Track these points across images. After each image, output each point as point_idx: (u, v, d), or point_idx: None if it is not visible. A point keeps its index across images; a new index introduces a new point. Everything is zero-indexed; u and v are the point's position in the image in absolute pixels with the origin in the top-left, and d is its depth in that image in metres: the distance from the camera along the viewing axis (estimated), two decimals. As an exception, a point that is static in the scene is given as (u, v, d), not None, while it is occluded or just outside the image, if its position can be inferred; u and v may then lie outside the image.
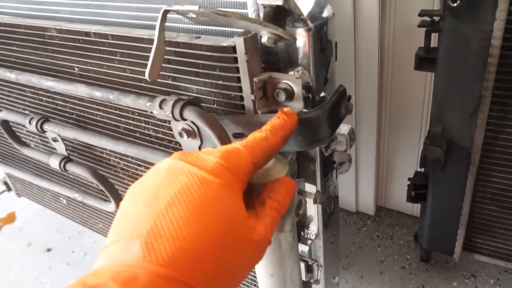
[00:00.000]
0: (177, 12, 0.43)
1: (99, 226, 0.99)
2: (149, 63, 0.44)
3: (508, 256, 0.77)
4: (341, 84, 0.51)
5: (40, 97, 0.76)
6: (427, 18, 0.61)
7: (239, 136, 0.50)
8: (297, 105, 0.46)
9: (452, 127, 0.64)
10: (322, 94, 0.51)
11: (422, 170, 0.77)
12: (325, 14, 0.47)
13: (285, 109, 0.41)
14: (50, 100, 0.74)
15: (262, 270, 0.50)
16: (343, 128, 0.53)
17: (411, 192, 0.77)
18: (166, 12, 0.43)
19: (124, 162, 0.73)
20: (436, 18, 0.60)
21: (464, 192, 0.70)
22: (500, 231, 0.74)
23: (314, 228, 0.63)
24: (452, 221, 0.75)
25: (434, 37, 0.62)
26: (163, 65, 0.52)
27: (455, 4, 0.53)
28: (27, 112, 0.81)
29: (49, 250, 1.16)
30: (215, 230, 0.28)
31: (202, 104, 0.51)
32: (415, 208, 1.01)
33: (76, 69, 0.64)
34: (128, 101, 0.53)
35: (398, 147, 0.94)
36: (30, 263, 1.11)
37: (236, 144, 0.34)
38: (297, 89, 0.45)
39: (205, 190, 0.29)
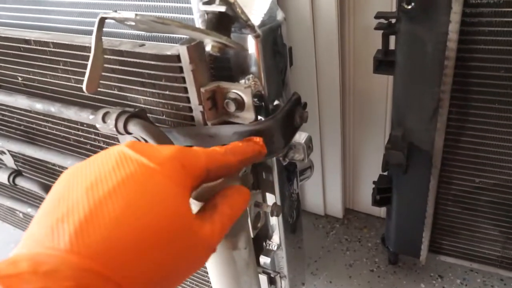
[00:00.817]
0: (115, 19, 0.40)
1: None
2: (86, 74, 0.41)
3: (472, 256, 0.77)
4: (295, 92, 0.49)
5: (-14, 109, 0.71)
6: (383, 21, 0.60)
7: (189, 149, 0.47)
8: (248, 115, 0.44)
9: (413, 130, 0.64)
10: (276, 102, 0.49)
11: (386, 173, 0.77)
12: (275, 19, 0.45)
13: (256, 139, 0.40)
14: (-3, 111, 0.70)
15: (218, 287, 0.48)
16: (301, 136, 0.52)
17: (376, 196, 0.76)
18: (103, 19, 0.41)
19: (78, 175, 0.70)
20: (393, 21, 0.59)
21: (427, 195, 0.70)
22: (464, 232, 0.74)
23: (276, 238, 0.61)
24: (417, 223, 0.75)
25: (393, 39, 0.61)
26: (109, 74, 0.49)
27: (409, 7, 0.52)
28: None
29: (8, 266, 1.10)
30: (155, 225, 0.26)
31: (151, 115, 0.49)
32: (382, 210, 1.01)
33: (20, 78, 0.60)
34: (71, 113, 0.50)
35: (363, 149, 0.93)
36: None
37: (197, 148, 0.33)
38: (247, 99, 0.43)
39: (151, 184, 0.27)
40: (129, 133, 0.45)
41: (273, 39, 0.45)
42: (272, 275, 0.60)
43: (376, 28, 0.59)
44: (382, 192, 0.75)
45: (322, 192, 1.01)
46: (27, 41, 0.55)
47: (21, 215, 0.96)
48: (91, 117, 0.48)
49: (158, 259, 0.26)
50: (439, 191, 0.70)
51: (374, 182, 0.77)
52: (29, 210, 0.79)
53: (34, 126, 0.66)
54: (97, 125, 0.46)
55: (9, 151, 0.70)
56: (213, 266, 0.46)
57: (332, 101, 0.83)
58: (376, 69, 0.62)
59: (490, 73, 0.56)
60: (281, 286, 0.62)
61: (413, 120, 0.63)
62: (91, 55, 0.41)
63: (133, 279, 0.25)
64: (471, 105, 0.60)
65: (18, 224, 1.01)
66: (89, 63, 0.41)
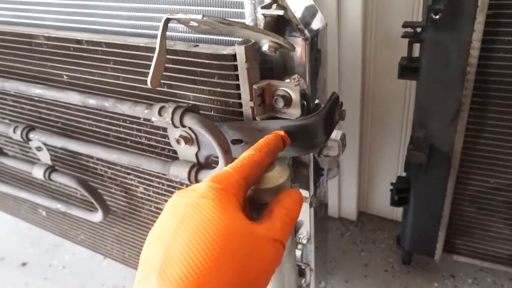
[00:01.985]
0: (179, 20, 0.43)
1: (81, 238, 0.96)
2: (151, 70, 0.45)
3: (484, 256, 0.81)
4: (334, 92, 0.53)
5: (22, 105, 0.74)
6: (409, 29, 0.64)
7: (237, 142, 0.51)
8: (295, 111, 0.48)
9: (434, 132, 0.68)
10: (316, 101, 0.52)
11: (404, 174, 0.81)
12: (318, 24, 0.49)
13: (280, 132, 0.44)
14: (33, 108, 0.73)
15: (261, 274, 0.51)
16: (335, 134, 0.55)
17: (394, 196, 0.79)
18: (168, 20, 0.44)
19: (112, 171, 0.73)
20: (419, 29, 0.63)
21: (444, 195, 0.74)
22: (478, 231, 0.78)
23: (305, 232, 0.64)
24: (433, 223, 0.79)
25: (415, 47, 0.66)
26: (159, 73, 0.53)
27: (437, 17, 0.56)
28: (6, 121, 0.78)
29: (24, 264, 1.12)
30: (218, 243, 0.30)
31: (200, 111, 0.52)
32: (395, 213, 1.04)
33: (65, 77, 0.64)
34: (125, 108, 0.53)
35: (380, 153, 0.97)
36: (4, 279, 1.07)
37: (225, 167, 0.37)
38: (295, 96, 0.47)
39: (200, 212, 0.32)
40: (184, 126, 0.49)
41: (317, 42, 0.49)
42: (302, 267, 0.63)
43: (403, 36, 0.64)
44: (401, 193, 0.79)
45: (337, 195, 1.05)
46: (78, 41, 0.58)
47: (44, 213, 0.98)
48: (146, 111, 0.51)
49: (236, 271, 0.30)
50: (456, 191, 0.74)
51: (392, 184, 0.81)
52: (59, 206, 0.82)
53: (72, 123, 0.69)
54: (153, 119, 0.50)
55: (48, 146, 0.72)
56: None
57: (352, 104, 0.87)
58: (400, 75, 0.66)
59: (508, 79, 0.61)
60: (309, 279, 0.65)
61: (434, 122, 0.67)
62: (156, 52, 0.45)
63: None
64: (489, 109, 0.64)
65: (38, 222, 1.03)
66: (154, 60, 0.45)
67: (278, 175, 0.44)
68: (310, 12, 0.49)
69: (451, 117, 0.65)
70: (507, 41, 0.58)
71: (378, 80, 0.86)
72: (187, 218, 0.31)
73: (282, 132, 0.44)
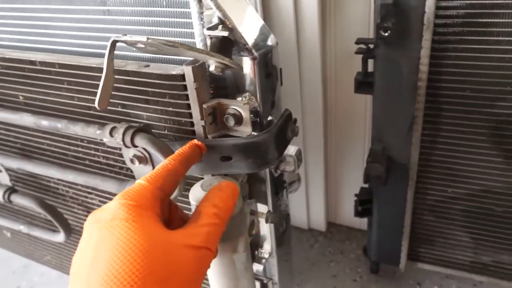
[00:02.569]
0: (126, 42, 0.44)
1: (47, 258, 0.94)
2: (99, 92, 0.45)
3: (447, 263, 0.82)
4: (287, 108, 0.54)
5: (-19, 127, 0.73)
6: (363, 46, 0.66)
7: (190, 160, 0.51)
8: (246, 129, 0.48)
9: (391, 145, 0.69)
10: (269, 118, 0.53)
11: (367, 186, 0.82)
12: (269, 42, 0.50)
13: (194, 141, 0.45)
14: (-8, 129, 0.72)
15: (217, 291, 0.51)
16: (291, 150, 0.56)
17: (358, 207, 0.81)
18: (115, 42, 0.45)
19: (73, 191, 0.72)
20: (371, 46, 0.65)
21: (405, 205, 0.75)
22: (439, 239, 0.80)
23: (267, 247, 0.64)
24: (396, 233, 0.80)
25: (371, 62, 0.67)
26: (113, 93, 0.53)
27: (386, 34, 0.58)
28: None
29: (-10, 287, 1.09)
30: (135, 266, 0.29)
31: (153, 130, 0.52)
32: (363, 222, 1.05)
33: (21, 97, 0.63)
34: (77, 129, 0.53)
35: (345, 165, 0.99)
36: (-31, 303, 1.04)
37: (138, 180, 0.36)
38: (245, 114, 0.47)
39: (114, 235, 0.31)
40: (135, 146, 0.49)
41: (267, 60, 0.50)
42: (264, 281, 0.63)
43: (356, 52, 0.65)
44: (364, 204, 0.80)
45: (306, 207, 1.06)
46: (32, 62, 0.58)
47: (9, 234, 0.96)
48: (98, 132, 0.51)
49: (162, 284, 0.29)
50: (416, 201, 0.76)
51: (356, 195, 0.82)
52: (21, 227, 0.80)
53: (31, 143, 0.69)
54: (104, 139, 0.50)
55: (6, 168, 0.71)
56: (214, 269, 0.49)
57: (315, 118, 0.88)
58: (356, 89, 0.68)
59: (458, 93, 0.63)
60: (272, 293, 0.65)
61: (391, 135, 0.69)
62: (103, 74, 0.45)
63: None
64: (442, 121, 0.66)
65: (4, 244, 1.00)
66: (101, 81, 0.45)
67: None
68: (260, 32, 0.50)
69: (406, 130, 0.66)
70: (454, 56, 0.60)
71: (339, 94, 0.87)
72: (101, 245, 0.30)
73: (196, 141, 0.45)
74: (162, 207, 0.35)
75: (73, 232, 0.79)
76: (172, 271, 0.31)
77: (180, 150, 0.42)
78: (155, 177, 0.36)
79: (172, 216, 0.40)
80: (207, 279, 0.53)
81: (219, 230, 0.36)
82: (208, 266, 0.34)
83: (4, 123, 0.68)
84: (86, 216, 0.74)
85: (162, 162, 0.39)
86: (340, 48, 0.81)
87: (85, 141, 0.62)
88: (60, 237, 0.75)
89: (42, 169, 0.62)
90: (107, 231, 0.31)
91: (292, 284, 0.75)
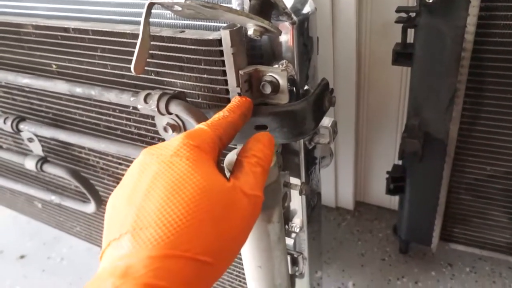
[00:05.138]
0: (162, 4, 0.42)
1: (77, 229, 0.96)
2: (134, 56, 0.44)
3: (482, 244, 0.80)
4: (324, 78, 0.52)
5: (14, 97, 0.74)
6: (403, 14, 0.63)
7: (225, 129, 0.50)
8: (283, 97, 0.47)
9: (429, 120, 0.67)
10: (306, 87, 0.51)
11: (400, 163, 0.80)
12: (307, 9, 0.48)
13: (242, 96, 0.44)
14: (25, 99, 0.72)
15: (250, 262, 0.50)
16: (326, 121, 0.54)
17: (390, 184, 0.79)
18: (151, 4, 0.43)
19: (104, 161, 0.72)
20: (413, 15, 0.62)
21: (440, 183, 0.73)
22: (475, 219, 0.77)
23: (298, 221, 0.63)
24: (429, 212, 0.78)
25: (410, 33, 0.64)
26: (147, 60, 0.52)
27: (430, 1, 0.55)
28: (-1, 112, 0.78)
29: (22, 257, 1.12)
30: (193, 202, 0.29)
31: (187, 98, 0.51)
32: (392, 202, 1.03)
33: (54, 66, 0.63)
34: (111, 96, 0.52)
35: (376, 141, 0.96)
36: (2, 272, 1.07)
37: (199, 124, 0.37)
38: (283, 82, 0.46)
39: (174, 170, 0.31)
40: (170, 113, 0.48)
41: (306, 27, 0.48)
42: (295, 255, 0.62)
43: (397, 22, 0.62)
44: (396, 181, 0.78)
45: (334, 185, 1.04)
46: (66, 30, 0.57)
47: (40, 205, 0.98)
48: (132, 99, 0.50)
49: (214, 226, 0.29)
50: (452, 179, 0.73)
51: (388, 172, 0.80)
52: (52, 198, 0.82)
53: (63, 113, 0.69)
54: (139, 106, 0.49)
55: (39, 137, 0.72)
56: (247, 241, 0.48)
57: (347, 92, 0.86)
58: (394, 61, 0.65)
59: (504, 65, 0.59)
60: (302, 268, 0.65)
61: (429, 109, 0.66)
62: (139, 38, 0.44)
63: (199, 248, 0.28)
64: (485, 95, 0.63)
65: (35, 215, 1.03)
66: (137, 45, 0.44)
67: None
68: (298, -4, 0.48)
69: (446, 104, 0.64)
70: (503, 25, 0.57)
71: (374, 67, 0.84)
72: (159, 177, 0.30)
73: (244, 97, 0.44)
74: (218, 155, 0.35)
75: (103, 203, 0.80)
76: (228, 213, 0.31)
77: (237, 103, 0.41)
78: (216, 125, 0.36)
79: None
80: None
81: (263, 178, 0.36)
82: (259, 213, 0.35)
83: (38, 92, 0.69)
84: (116, 187, 0.75)
85: (221, 112, 0.38)
86: (377, 17, 0.78)
87: (117, 111, 0.61)
88: (91, 207, 0.76)
89: (75, 138, 0.63)
90: (166, 166, 0.31)
91: (320, 261, 0.74)
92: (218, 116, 0.38)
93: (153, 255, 0.27)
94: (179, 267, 0.27)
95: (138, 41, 0.44)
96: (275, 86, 0.46)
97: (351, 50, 0.79)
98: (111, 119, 0.63)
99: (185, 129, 0.52)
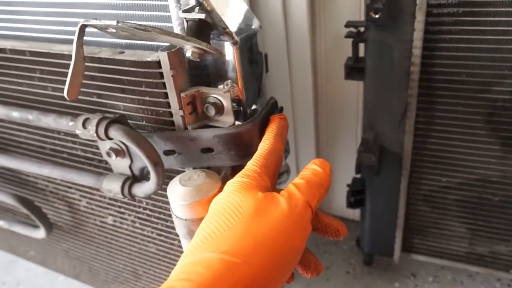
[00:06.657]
0: (96, 26, 0.41)
1: (31, 254, 0.92)
2: (67, 81, 0.42)
3: (442, 254, 0.80)
4: (272, 96, 0.51)
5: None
6: (353, 29, 0.63)
7: (170, 153, 0.48)
8: (228, 119, 0.46)
9: (383, 134, 0.67)
10: (254, 106, 0.50)
11: (359, 176, 0.80)
12: (251, 26, 0.47)
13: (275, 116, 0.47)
14: (-34, 122, 0.68)
15: None
16: (278, 140, 0.53)
17: (350, 198, 0.78)
18: (83, 26, 0.41)
19: (53, 185, 0.69)
20: (362, 29, 0.62)
21: (398, 195, 0.73)
22: (434, 230, 0.77)
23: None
24: (389, 224, 0.78)
25: (362, 46, 0.64)
26: (87, 82, 0.50)
27: (377, 16, 0.55)
28: None
29: (-24, 284, 1.06)
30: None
31: (130, 121, 0.49)
32: (356, 213, 1.03)
33: (-7, 88, 0.60)
34: (49, 121, 0.50)
35: (337, 154, 0.96)
36: (-46, 301, 1.01)
37: (250, 166, 0.39)
38: (227, 103, 0.45)
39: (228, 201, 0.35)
40: (110, 138, 0.46)
41: (250, 46, 0.47)
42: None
43: (346, 36, 0.62)
44: (356, 194, 0.78)
45: (297, 198, 1.03)
46: (2, 50, 0.54)
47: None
48: (70, 123, 0.48)
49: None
50: (410, 191, 0.73)
51: (348, 185, 0.80)
52: (1, 223, 0.77)
53: (7, 136, 0.65)
54: (77, 131, 0.47)
55: (-19, 162, 0.68)
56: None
57: (305, 106, 0.85)
58: (347, 76, 0.65)
59: (453, 78, 0.60)
60: None
61: (383, 123, 0.66)
62: (72, 61, 0.42)
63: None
64: (436, 108, 0.63)
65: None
66: (70, 69, 0.42)
67: (207, 188, 0.42)
68: (243, 16, 0.46)
69: (399, 117, 0.64)
70: (449, 39, 0.57)
71: (330, 81, 0.84)
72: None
73: (277, 114, 0.47)
74: (271, 183, 0.39)
75: (54, 228, 0.76)
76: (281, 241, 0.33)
77: (272, 128, 0.44)
78: (259, 158, 0.40)
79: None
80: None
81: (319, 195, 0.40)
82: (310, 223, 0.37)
83: (-22, 116, 0.65)
84: (68, 211, 0.72)
85: (262, 143, 0.42)
86: (331, 31, 0.78)
87: (62, 133, 0.59)
88: (40, 233, 0.72)
89: (16, 163, 0.59)
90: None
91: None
92: (259, 148, 0.42)
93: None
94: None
95: (71, 65, 0.42)
96: (219, 107, 0.45)
97: (306, 65, 0.79)
98: (56, 141, 0.60)
99: (129, 154, 0.50)
